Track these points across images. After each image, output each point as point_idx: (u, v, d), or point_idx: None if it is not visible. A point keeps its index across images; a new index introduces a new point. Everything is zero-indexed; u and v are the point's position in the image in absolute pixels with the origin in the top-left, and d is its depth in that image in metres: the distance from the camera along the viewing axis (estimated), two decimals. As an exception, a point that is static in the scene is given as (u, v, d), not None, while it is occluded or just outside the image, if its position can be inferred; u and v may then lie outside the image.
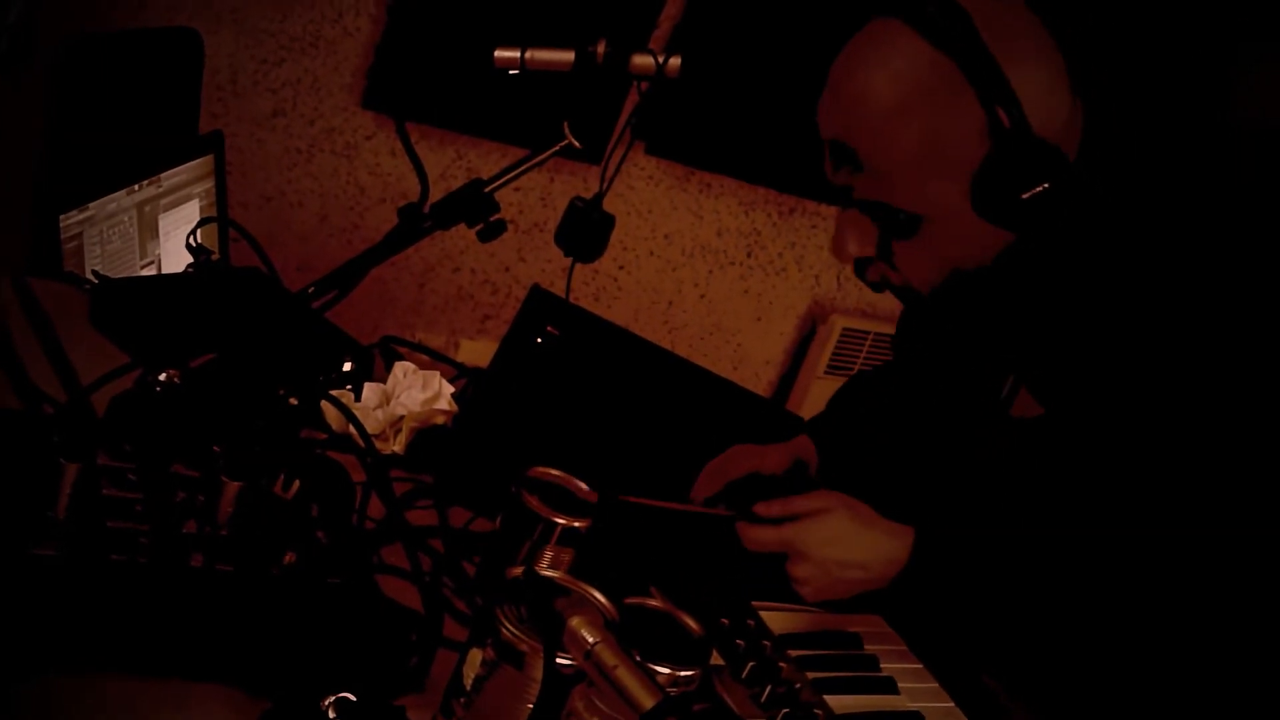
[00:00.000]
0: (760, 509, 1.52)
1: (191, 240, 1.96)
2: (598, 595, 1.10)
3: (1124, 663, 1.46)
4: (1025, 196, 1.31)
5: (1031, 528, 1.46)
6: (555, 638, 1.02)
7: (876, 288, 1.50)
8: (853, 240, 1.44)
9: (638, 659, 1.01)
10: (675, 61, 1.42)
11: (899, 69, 1.31)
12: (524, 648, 1.04)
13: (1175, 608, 1.40)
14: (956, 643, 1.54)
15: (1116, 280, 1.42)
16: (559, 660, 1.02)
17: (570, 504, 1.35)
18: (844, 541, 1.48)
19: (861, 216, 1.42)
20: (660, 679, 1.06)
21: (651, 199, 3.72)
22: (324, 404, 1.57)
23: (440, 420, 1.68)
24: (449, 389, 1.74)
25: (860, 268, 1.48)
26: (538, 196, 3.54)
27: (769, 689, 1.36)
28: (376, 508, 1.41)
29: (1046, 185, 1.31)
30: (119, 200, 2.14)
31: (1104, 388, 1.44)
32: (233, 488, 1.15)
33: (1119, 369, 1.42)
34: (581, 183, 3.52)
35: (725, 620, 1.44)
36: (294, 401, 1.48)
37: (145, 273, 2.26)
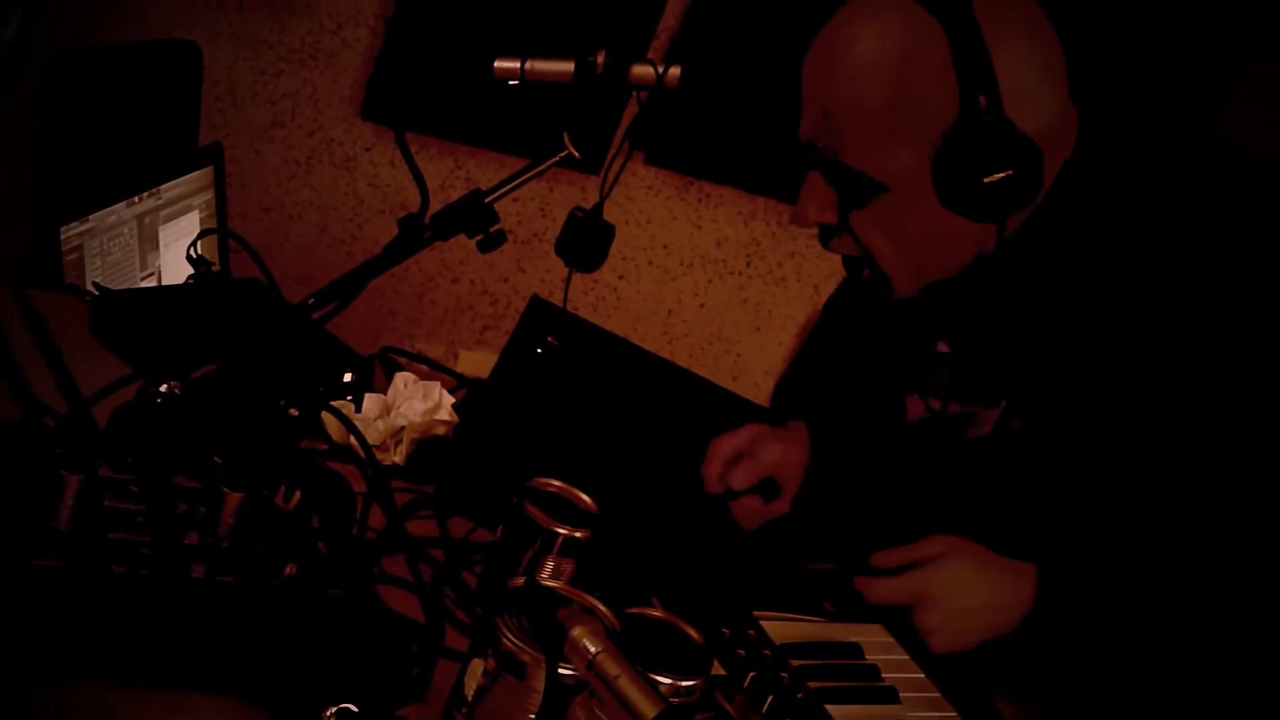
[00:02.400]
0: (878, 559, 1.46)
1: (192, 252, 1.96)
2: (599, 605, 1.10)
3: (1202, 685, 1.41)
4: (985, 181, 1.29)
5: (1151, 551, 1.40)
6: (557, 648, 1.02)
7: (848, 265, 1.49)
8: (813, 204, 1.44)
9: (639, 669, 1.01)
10: (675, 71, 1.42)
11: (887, 23, 1.32)
12: (525, 658, 1.04)
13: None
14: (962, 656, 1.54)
15: (1106, 288, 1.41)
16: (560, 670, 1.02)
17: (571, 514, 1.35)
18: (971, 587, 1.41)
19: (824, 181, 1.42)
20: (662, 689, 1.06)
21: (650, 209, 3.72)
22: (324, 415, 1.57)
23: (441, 431, 1.68)
24: (449, 399, 1.74)
25: (824, 237, 1.47)
26: (537, 206, 3.54)
27: (770, 699, 1.35)
28: (377, 518, 1.41)
29: (1008, 173, 1.29)
30: (119, 212, 2.15)
31: (1094, 397, 1.42)
32: (234, 499, 1.15)
33: (1109, 377, 1.41)
34: (580, 192, 3.52)
35: (726, 630, 1.44)
36: (294, 412, 1.48)
37: (146, 284, 2.26)
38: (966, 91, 1.29)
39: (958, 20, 1.28)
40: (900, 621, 1.59)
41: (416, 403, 1.70)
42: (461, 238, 1.53)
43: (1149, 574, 1.39)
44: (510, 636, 1.05)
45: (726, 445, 1.68)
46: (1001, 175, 1.29)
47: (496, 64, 1.46)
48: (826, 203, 1.43)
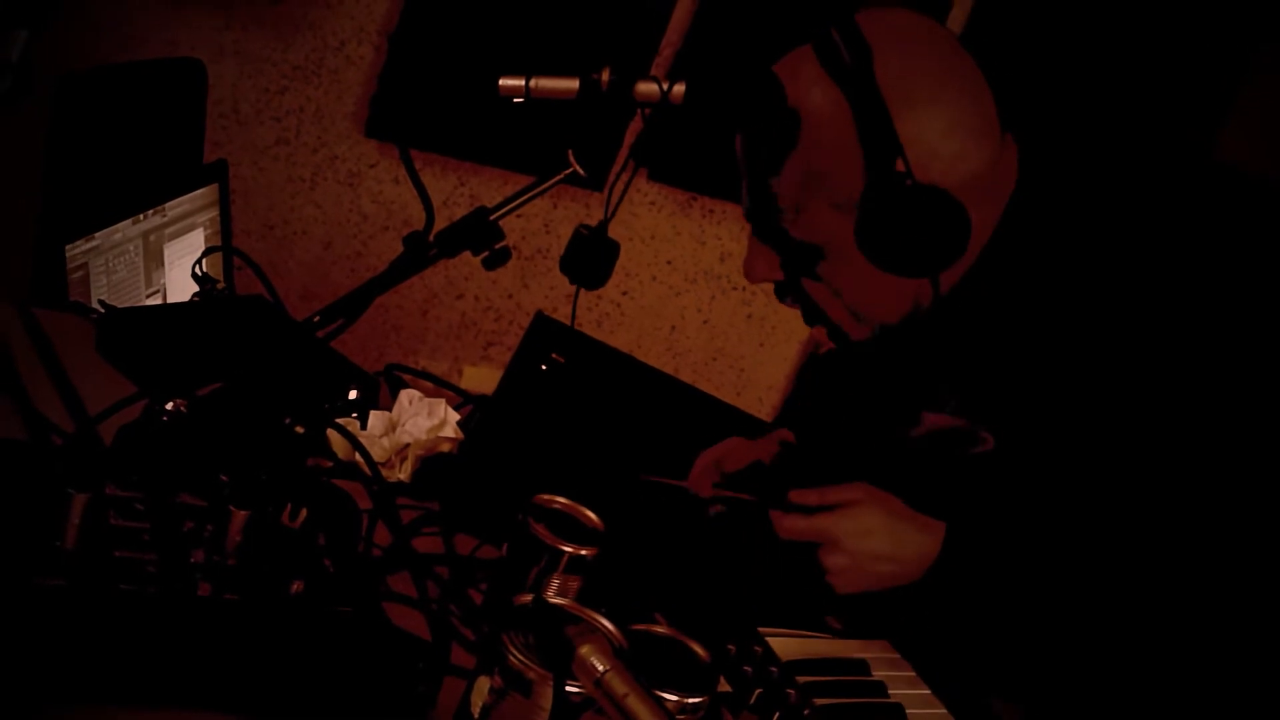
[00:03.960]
0: (795, 496, 1.52)
1: (197, 269, 1.96)
2: (606, 623, 1.10)
3: (1139, 678, 1.46)
4: (907, 241, 1.33)
5: (1059, 527, 1.46)
6: (565, 666, 1.02)
7: (806, 316, 1.54)
8: (759, 263, 1.51)
9: (646, 686, 1.01)
10: (680, 88, 1.42)
11: (798, 93, 1.36)
12: (532, 675, 1.04)
13: (1193, 616, 1.40)
14: (965, 668, 1.54)
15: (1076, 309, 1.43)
16: (567, 688, 1.02)
17: (577, 531, 1.35)
18: (877, 533, 1.48)
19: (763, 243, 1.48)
20: (668, 706, 1.06)
21: (654, 225, 3.72)
22: (330, 432, 1.57)
23: (446, 448, 1.68)
24: (455, 416, 1.74)
25: (778, 292, 1.54)
26: (541, 223, 3.55)
27: (776, 715, 1.35)
28: (383, 536, 1.41)
29: (928, 232, 1.32)
30: (124, 230, 2.15)
31: (1086, 421, 1.44)
32: (240, 517, 1.15)
33: (1100, 400, 1.42)
34: (584, 209, 3.53)
35: (732, 646, 1.44)
36: (300, 430, 1.48)
37: (151, 302, 2.27)
38: (872, 158, 1.33)
39: (860, 90, 1.32)
40: (905, 639, 1.59)
41: (421, 420, 1.70)
42: (466, 254, 1.53)
43: (1055, 551, 1.46)
44: (517, 654, 1.05)
45: (705, 457, 1.75)
46: (921, 234, 1.33)
47: (501, 81, 1.46)
48: (771, 262, 1.50)
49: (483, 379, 3.56)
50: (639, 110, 1.49)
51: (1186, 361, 1.37)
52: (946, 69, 1.38)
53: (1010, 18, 3.58)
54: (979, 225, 1.37)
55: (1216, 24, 3.79)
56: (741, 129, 1.45)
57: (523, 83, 1.44)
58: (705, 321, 3.96)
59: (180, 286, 2.30)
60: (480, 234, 1.50)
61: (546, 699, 1.03)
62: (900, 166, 1.32)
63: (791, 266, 1.49)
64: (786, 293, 1.53)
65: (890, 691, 1.49)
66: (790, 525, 1.51)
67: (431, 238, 1.49)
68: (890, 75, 1.32)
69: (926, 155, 1.34)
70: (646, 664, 1.09)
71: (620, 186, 1.51)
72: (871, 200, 1.33)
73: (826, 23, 1.34)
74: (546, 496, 1.38)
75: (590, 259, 1.59)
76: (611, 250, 1.60)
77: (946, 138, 1.35)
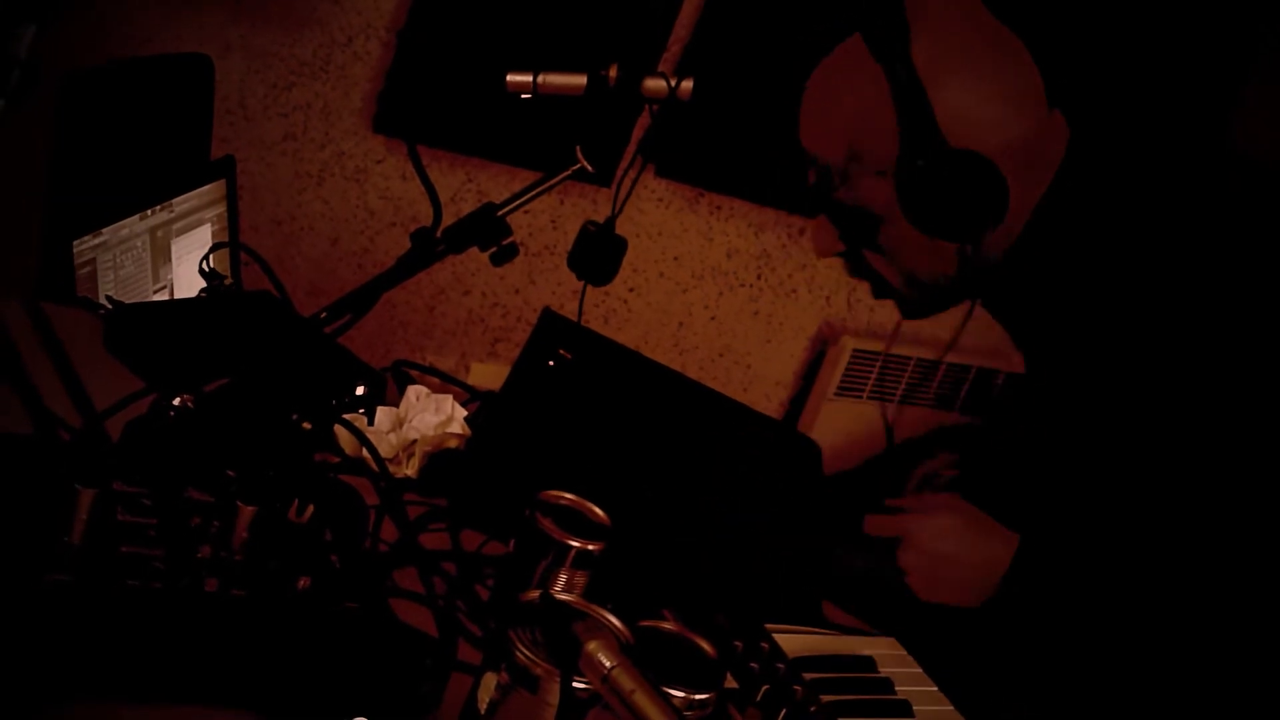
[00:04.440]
0: (889, 501, 1.60)
1: (204, 265, 1.96)
2: (613, 619, 1.09)
3: (1150, 679, 1.46)
4: (942, 202, 1.38)
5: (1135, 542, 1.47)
6: (572, 662, 1.02)
7: (875, 289, 1.59)
8: (824, 236, 1.56)
9: (653, 683, 1.01)
10: (687, 84, 1.43)
11: (848, 76, 1.43)
12: (539, 671, 1.04)
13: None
14: (971, 666, 1.54)
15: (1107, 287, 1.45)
16: (574, 684, 1.02)
17: (584, 526, 1.35)
18: (951, 536, 1.53)
19: (829, 218, 1.53)
20: (675, 702, 1.06)
21: (661, 221, 3.72)
22: (337, 428, 1.57)
23: (453, 443, 1.68)
24: (462, 412, 1.74)
25: (850, 268, 1.59)
26: (548, 219, 3.55)
27: (784, 712, 1.35)
28: (390, 532, 1.41)
29: (963, 193, 1.38)
30: (132, 225, 2.15)
31: (1098, 412, 1.45)
32: (247, 512, 1.15)
33: (1113, 388, 1.44)
34: (591, 205, 3.52)
35: (739, 643, 1.43)
36: (307, 426, 1.48)
37: (158, 298, 2.27)
38: (909, 125, 1.38)
39: (895, 61, 1.37)
40: (912, 638, 1.59)
41: (429, 416, 1.70)
42: (473, 250, 1.53)
43: (1129, 566, 1.46)
44: (524, 650, 1.05)
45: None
46: (957, 196, 1.38)
47: (509, 77, 1.47)
48: (832, 234, 1.55)
49: (490, 375, 3.55)
50: (646, 106, 1.49)
51: (1211, 350, 1.38)
52: (985, 40, 1.41)
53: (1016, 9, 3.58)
54: (1020, 193, 1.41)
55: (1219, 22, 3.79)
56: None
57: (531, 78, 1.44)
58: (712, 318, 3.95)
59: (188, 282, 2.30)
60: (487, 230, 1.50)
61: (553, 695, 1.03)
62: (923, 135, 1.37)
63: (850, 237, 1.53)
64: (854, 265, 1.58)
65: (897, 688, 1.49)
66: (877, 522, 1.57)
67: (439, 234, 1.49)
68: (928, 44, 1.37)
69: (962, 122, 1.38)
70: (653, 660, 1.09)
71: (628, 182, 1.52)
72: (908, 164, 1.38)
73: (872, 5, 1.40)
74: (554, 492, 1.38)
75: (597, 255, 1.60)
76: (619, 246, 1.60)
77: (984, 105, 1.39)
